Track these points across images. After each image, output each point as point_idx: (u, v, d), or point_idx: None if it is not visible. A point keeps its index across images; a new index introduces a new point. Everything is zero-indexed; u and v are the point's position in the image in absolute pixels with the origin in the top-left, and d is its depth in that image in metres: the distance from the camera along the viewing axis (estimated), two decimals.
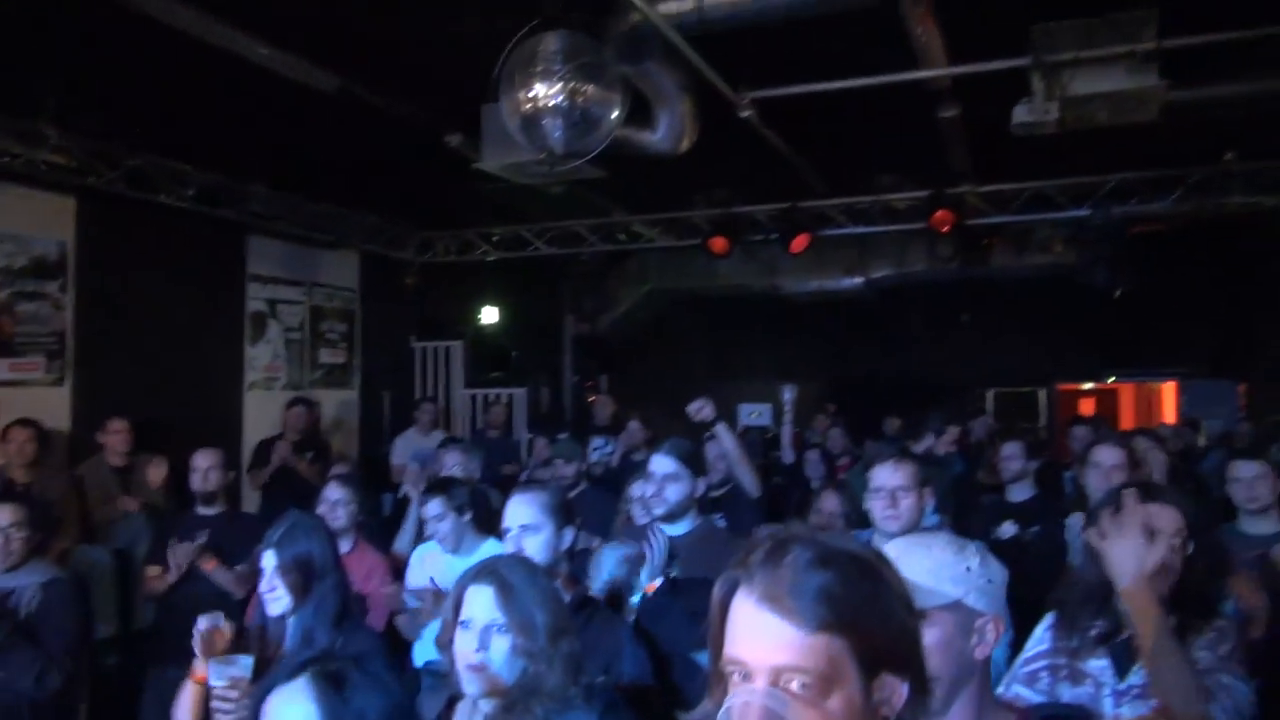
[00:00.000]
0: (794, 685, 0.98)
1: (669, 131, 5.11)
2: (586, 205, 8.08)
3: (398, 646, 3.43)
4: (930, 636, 1.41)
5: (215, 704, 2.27)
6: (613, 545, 2.94)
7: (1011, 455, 4.36)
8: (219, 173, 6.51)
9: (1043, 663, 2.10)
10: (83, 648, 3.34)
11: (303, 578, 2.53)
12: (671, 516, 2.99)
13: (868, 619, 1.01)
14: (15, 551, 3.21)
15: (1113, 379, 11.62)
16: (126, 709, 3.90)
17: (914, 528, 2.84)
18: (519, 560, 2.07)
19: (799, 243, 7.71)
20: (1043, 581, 2.45)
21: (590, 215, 8.40)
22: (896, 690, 1.01)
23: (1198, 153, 6.75)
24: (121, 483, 5.20)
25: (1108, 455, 3.45)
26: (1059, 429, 9.99)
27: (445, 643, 1.90)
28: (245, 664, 2.29)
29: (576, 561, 2.87)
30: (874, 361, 11.50)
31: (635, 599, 2.84)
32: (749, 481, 4.07)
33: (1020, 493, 4.32)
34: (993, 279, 9.28)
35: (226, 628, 2.46)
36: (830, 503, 4.08)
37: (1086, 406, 11.75)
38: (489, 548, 3.56)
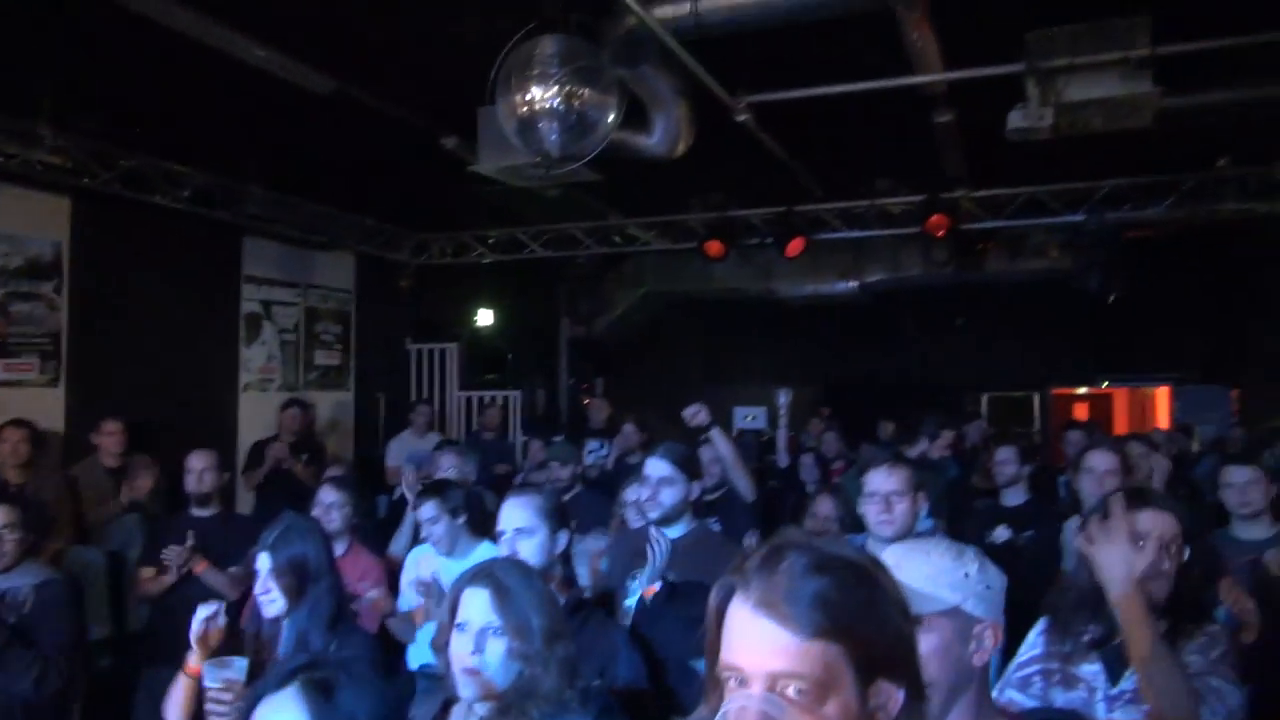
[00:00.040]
0: (790, 691, 0.99)
1: (665, 135, 5.12)
2: (582, 208, 8.08)
3: (390, 649, 3.43)
4: (928, 642, 1.42)
5: (209, 706, 2.26)
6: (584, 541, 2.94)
7: (1005, 460, 4.38)
8: (215, 174, 6.50)
9: (1035, 667, 2.11)
10: (77, 649, 3.33)
11: (297, 580, 2.53)
12: (666, 520, 2.99)
13: (863, 625, 1.01)
14: (9, 553, 3.20)
15: (1106, 384, 11.66)
16: (120, 710, 3.89)
17: (908, 532, 2.85)
18: (515, 563, 2.07)
19: (794, 246, 7.73)
20: (1036, 586, 2.46)
21: (586, 218, 8.41)
22: (892, 696, 1.02)
23: (1191, 159, 6.79)
24: (115, 484, 5.18)
25: (1101, 460, 3.46)
26: (1053, 433, 10.02)
27: (441, 645, 1.91)
28: (240, 666, 2.29)
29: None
30: (869, 365, 11.53)
31: (631, 602, 2.84)
32: (744, 486, 4.08)
33: (1014, 497, 4.34)
34: (987, 283, 9.31)
35: (222, 620, 2.46)
36: (825, 507, 4.09)
37: (1080, 411, 11.79)
38: (483, 550, 3.56)
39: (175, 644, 2.55)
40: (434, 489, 3.76)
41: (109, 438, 5.43)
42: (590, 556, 3.53)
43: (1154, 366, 10.63)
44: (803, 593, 1.00)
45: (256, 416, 7.31)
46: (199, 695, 2.34)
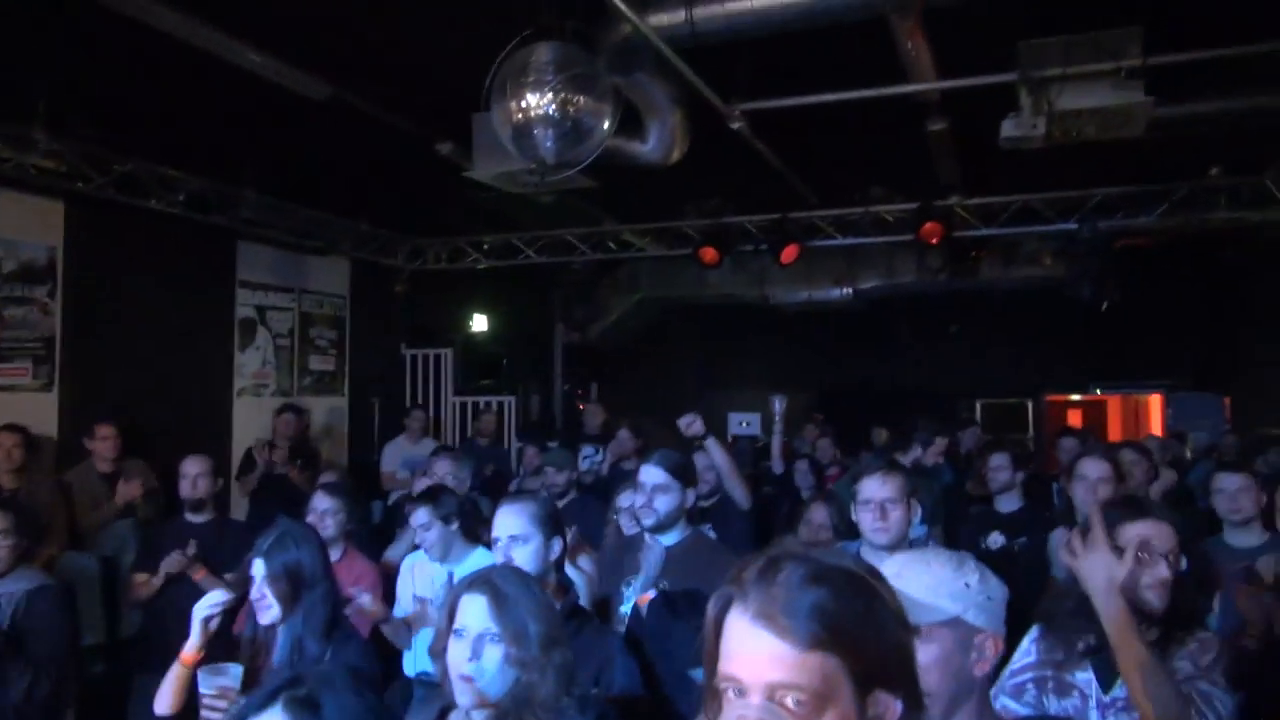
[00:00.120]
0: (789, 702, 0.99)
1: (660, 142, 5.14)
2: (577, 214, 8.10)
3: (385, 655, 3.42)
4: (928, 653, 1.42)
5: (204, 714, 2.27)
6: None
7: (999, 466, 4.39)
8: (209, 178, 6.50)
9: (1029, 675, 2.12)
10: (70, 656, 3.32)
11: (292, 587, 2.52)
12: (661, 528, 2.99)
13: (861, 636, 1.02)
14: (3, 559, 3.20)
15: (1098, 391, 11.70)
16: (114, 717, 3.88)
17: (902, 539, 2.86)
18: (513, 570, 2.08)
19: (789, 253, 7.75)
20: (1030, 593, 2.47)
21: (581, 224, 8.42)
22: (890, 707, 1.02)
23: (1183, 168, 6.83)
24: (109, 489, 5.17)
25: (1093, 468, 3.47)
26: (1047, 440, 10.05)
27: (439, 651, 1.91)
28: (234, 673, 2.29)
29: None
30: (863, 372, 11.55)
31: (626, 609, 2.84)
32: (739, 494, 4.08)
33: (1008, 504, 4.35)
34: (981, 291, 9.34)
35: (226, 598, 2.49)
36: (819, 514, 4.10)
37: (1074, 418, 11.82)
38: (478, 556, 3.56)
39: (168, 650, 2.55)
40: (427, 495, 3.76)
41: (103, 443, 5.42)
42: (586, 581, 3.50)
43: (1146, 374, 10.68)
44: (800, 604, 1.01)
45: (251, 421, 7.29)
46: (191, 684, 2.34)
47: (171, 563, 3.92)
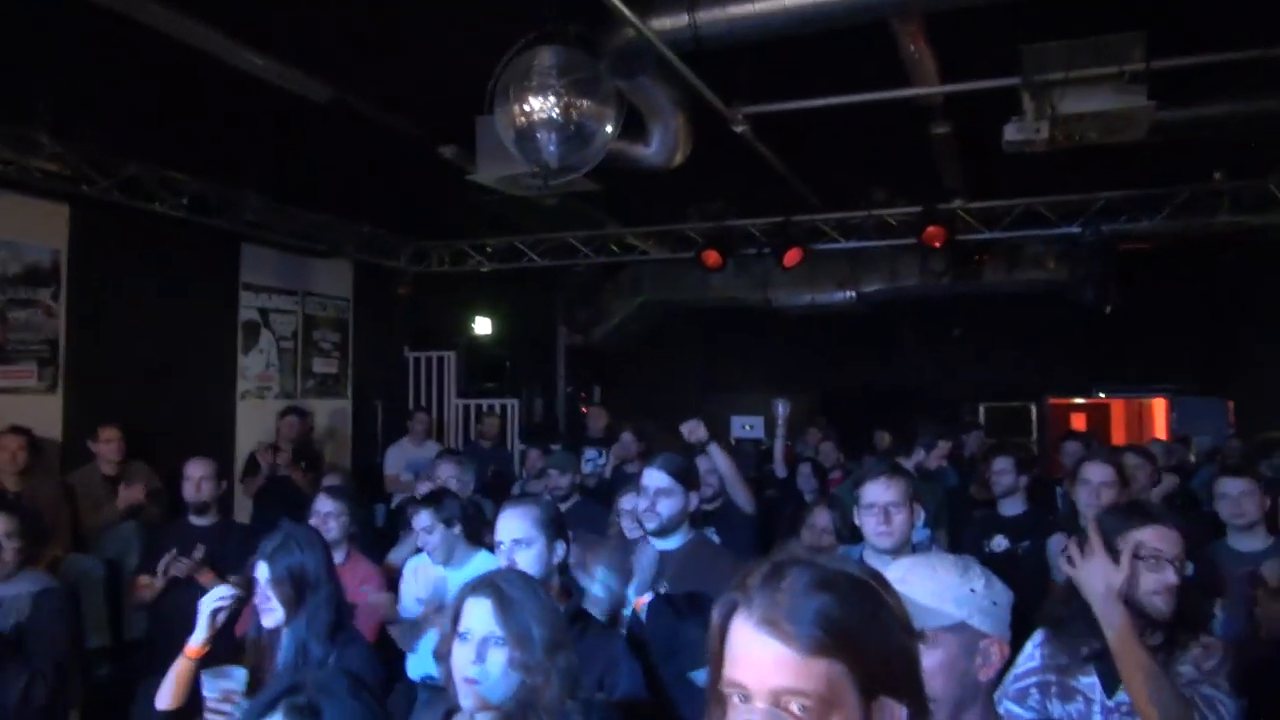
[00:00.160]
0: (794, 707, 0.99)
1: (663, 146, 5.15)
2: (580, 217, 8.11)
3: (390, 657, 3.43)
4: (934, 658, 1.43)
5: (208, 717, 2.27)
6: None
7: (1003, 469, 4.38)
8: (213, 181, 6.51)
9: (1033, 679, 2.12)
10: (74, 658, 3.32)
11: (296, 590, 2.52)
12: (664, 531, 2.99)
13: (866, 642, 1.02)
14: (9, 562, 3.19)
15: (1102, 394, 11.68)
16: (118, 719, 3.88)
17: (906, 543, 2.86)
18: (518, 574, 2.08)
19: (791, 257, 7.75)
20: (1033, 597, 2.47)
21: (584, 227, 8.43)
22: (895, 713, 1.02)
23: (1186, 172, 6.83)
24: (113, 491, 5.18)
25: (1097, 472, 3.47)
26: (1051, 444, 10.03)
27: (444, 654, 1.91)
28: (239, 676, 2.29)
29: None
30: (866, 375, 11.54)
31: (625, 611, 2.84)
32: (743, 499, 4.08)
33: (1012, 507, 4.34)
34: (984, 294, 9.33)
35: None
36: (822, 518, 4.10)
37: (1078, 421, 11.79)
38: (481, 560, 3.57)
39: (173, 654, 2.55)
40: (430, 498, 3.77)
41: (107, 445, 5.43)
42: (610, 597, 3.49)
43: (1149, 377, 10.67)
44: (805, 610, 1.01)
45: (254, 424, 7.31)
46: (194, 678, 2.35)
47: (180, 567, 3.92)
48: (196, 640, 2.48)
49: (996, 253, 8.63)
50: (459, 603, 1.91)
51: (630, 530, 3.79)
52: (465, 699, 1.85)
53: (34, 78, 4.87)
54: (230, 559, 3.93)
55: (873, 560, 2.78)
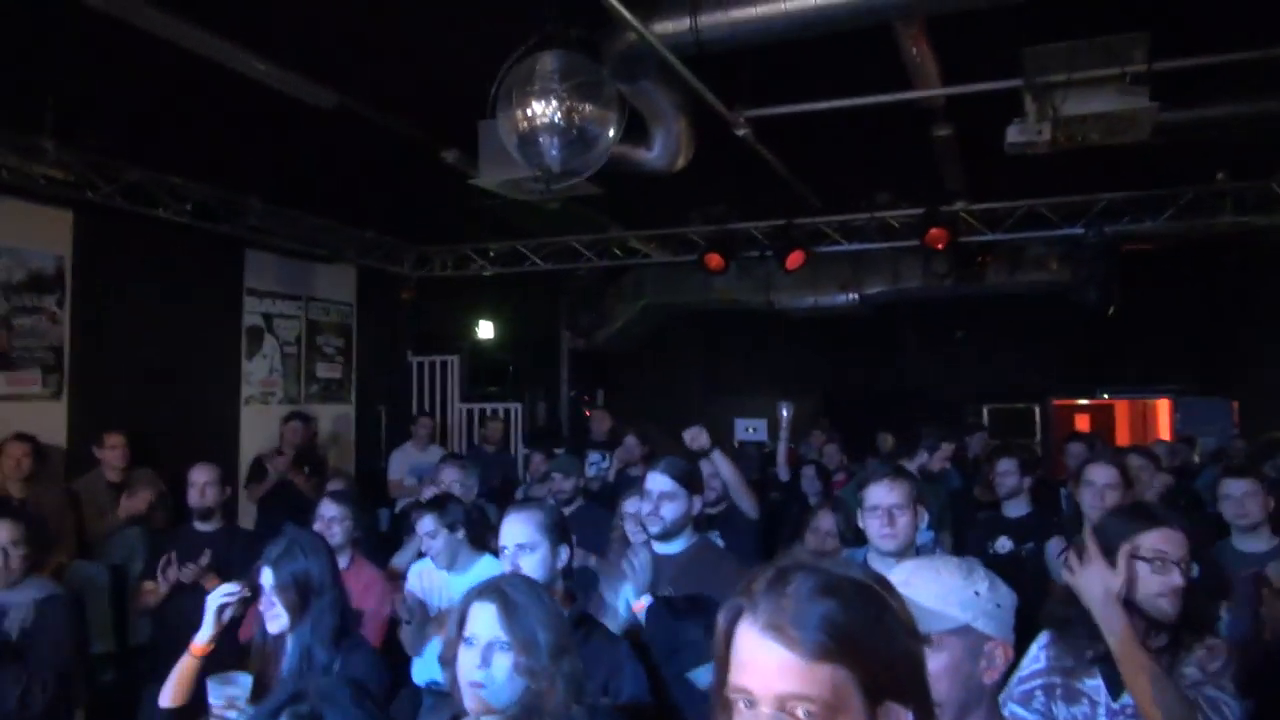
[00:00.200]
0: (799, 713, 1.00)
1: (665, 149, 5.15)
2: (583, 221, 8.11)
3: (395, 662, 3.43)
4: (938, 661, 1.43)
5: None
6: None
7: (1006, 471, 4.38)
8: (216, 187, 6.53)
9: (1038, 682, 2.11)
10: (78, 664, 3.32)
11: (300, 596, 2.52)
12: (667, 535, 2.99)
13: (871, 647, 1.02)
14: (14, 569, 3.20)
15: (1106, 395, 11.66)
16: None
17: (910, 545, 2.86)
18: (523, 579, 2.08)
19: (794, 259, 7.75)
20: (1037, 598, 2.46)
21: (586, 231, 8.44)
22: (901, 718, 1.03)
23: (1189, 173, 6.82)
24: (118, 497, 5.18)
25: (1100, 474, 3.46)
26: (1054, 445, 10.01)
27: (449, 659, 1.91)
28: (244, 683, 2.29)
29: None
30: (868, 377, 11.54)
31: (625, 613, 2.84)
32: (747, 505, 4.08)
33: (1016, 509, 4.34)
34: (987, 296, 9.33)
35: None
36: (826, 521, 4.09)
37: (1082, 422, 11.76)
38: (485, 564, 3.57)
39: (177, 659, 2.55)
40: (433, 503, 3.77)
41: (111, 451, 5.44)
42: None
43: (1153, 378, 10.65)
44: (810, 615, 1.01)
45: (258, 429, 7.32)
46: (199, 675, 2.35)
47: (186, 572, 3.93)
48: (202, 638, 2.49)
49: (999, 254, 8.62)
50: (464, 607, 1.92)
51: (634, 534, 3.79)
52: (470, 704, 1.85)
53: (38, 84, 4.89)
54: (235, 564, 3.93)
55: (877, 563, 2.78)
